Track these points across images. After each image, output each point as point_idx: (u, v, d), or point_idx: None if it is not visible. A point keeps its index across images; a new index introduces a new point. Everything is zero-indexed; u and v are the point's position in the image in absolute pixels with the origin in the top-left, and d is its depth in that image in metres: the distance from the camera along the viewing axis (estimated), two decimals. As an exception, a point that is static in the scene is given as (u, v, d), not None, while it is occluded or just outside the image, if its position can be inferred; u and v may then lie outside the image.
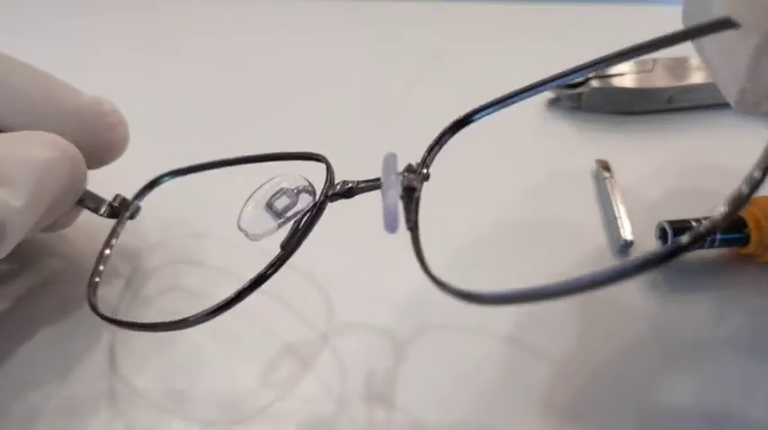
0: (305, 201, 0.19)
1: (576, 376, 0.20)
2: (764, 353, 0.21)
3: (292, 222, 0.19)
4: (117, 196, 0.24)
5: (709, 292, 0.22)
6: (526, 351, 0.21)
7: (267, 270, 0.19)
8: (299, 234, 0.19)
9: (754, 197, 0.23)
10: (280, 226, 0.19)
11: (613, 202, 0.25)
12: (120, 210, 0.23)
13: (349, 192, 0.20)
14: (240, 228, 0.19)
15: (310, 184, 0.20)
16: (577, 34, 0.36)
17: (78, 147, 0.21)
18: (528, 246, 0.24)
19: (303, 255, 0.19)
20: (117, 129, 0.23)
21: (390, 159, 0.18)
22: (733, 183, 0.28)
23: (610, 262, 0.24)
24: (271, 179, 0.20)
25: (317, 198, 0.19)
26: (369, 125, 0.30)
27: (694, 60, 0.30)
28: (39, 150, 0.19)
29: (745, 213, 0.22)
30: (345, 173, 0.20)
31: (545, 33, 0.36)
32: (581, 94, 0.30)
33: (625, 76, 0.30)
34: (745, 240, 0.22)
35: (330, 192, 0.19)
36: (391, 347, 0.21)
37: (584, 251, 0.24)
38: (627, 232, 0.24)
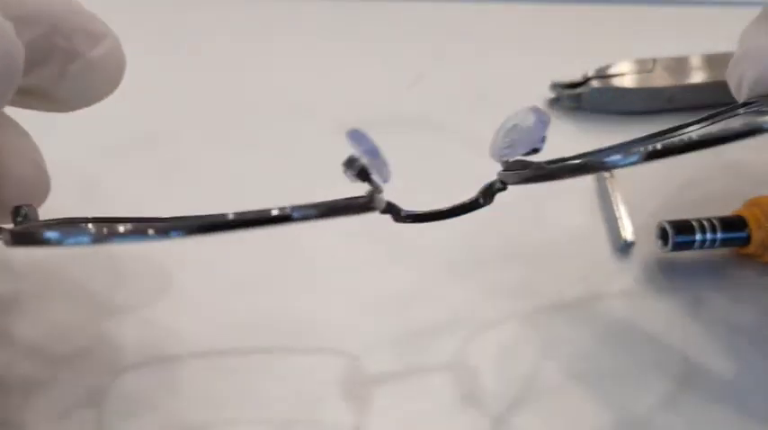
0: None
1: (576, 391, 0.20)
2: (765, 352, 0.21)
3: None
4: (26, 210, 0.17)
5: (710, 292, 0.22)
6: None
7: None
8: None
9: (755, 197, 0.23)
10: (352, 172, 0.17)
11: (613, 202, 0.25)
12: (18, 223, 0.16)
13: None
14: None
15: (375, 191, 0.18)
16: (578, 35, 0.36)
17: (44, 61, 0.15)
18: (528, 245, 0.24)
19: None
20: (102, 45, 0.16)
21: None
22: (733, 183, 0.28)
23: (610, 262, 0.24)
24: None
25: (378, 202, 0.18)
26: (368, 125, 0.30)
27: (694, 60, 0.30)
28: None
29: (746, 213, 0.22)
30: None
31: (546, 33, 0.36)
32: (581, 93, 0.30)
33: (625, 76, 0.30)
34: (745, 240, 0.22)
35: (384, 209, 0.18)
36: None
37: (585, 251, 0.24)
38: (627, 232, 0.24)
